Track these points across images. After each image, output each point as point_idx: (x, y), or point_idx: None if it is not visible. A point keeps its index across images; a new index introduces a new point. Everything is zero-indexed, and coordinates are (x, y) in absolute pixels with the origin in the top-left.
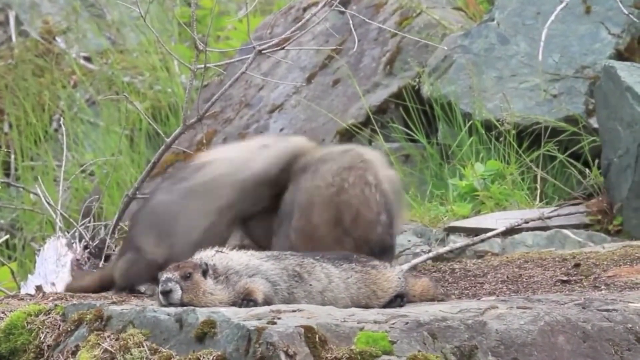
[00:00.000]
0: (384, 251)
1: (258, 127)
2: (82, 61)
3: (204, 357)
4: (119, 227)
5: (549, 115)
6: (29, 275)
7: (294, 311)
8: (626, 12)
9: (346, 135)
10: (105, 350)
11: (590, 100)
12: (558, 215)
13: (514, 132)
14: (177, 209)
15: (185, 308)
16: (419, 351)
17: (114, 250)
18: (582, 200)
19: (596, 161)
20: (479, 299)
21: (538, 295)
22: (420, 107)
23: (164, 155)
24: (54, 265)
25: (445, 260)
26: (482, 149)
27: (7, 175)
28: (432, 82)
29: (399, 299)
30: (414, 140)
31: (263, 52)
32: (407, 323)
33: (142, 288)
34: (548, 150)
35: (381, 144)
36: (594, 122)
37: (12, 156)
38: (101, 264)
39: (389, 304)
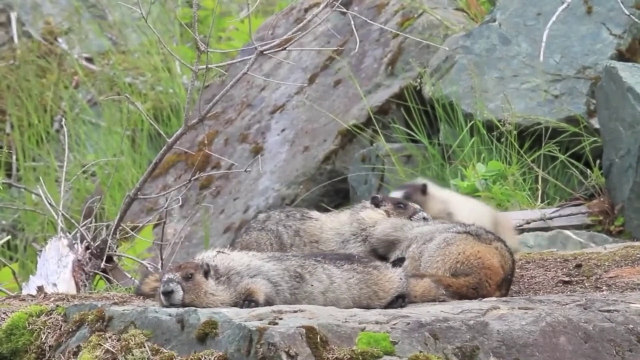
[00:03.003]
0: None
1: (260, 128)
2: (83, 62)
3: (205, 358)
4: (120, 227)
5: (550, 116)
6: (31, 276)
7: (295, 311)
8: (627, 12)
9: (347, 136)
10: (107, 351)
11: (592, 101)
12: (559, 216)
13: (515, 132)
14: None
15: (186, 309)
16: (421, 352)
17: (115, 251)
18: (584, 201)
19: (597, 162)
20: (480, 300)
21: (540, 296)
22: (422, 107)
23: (165, 156)
24: (56, 265)
25: None
26: (484, 150)
27: (9, 175)
28: (433, 83)
29: (400, 300)
30: (415, 141)
31: (265, 52)
32: (408, 324)
33: None
34: (549, 151)
35: (382, 144)
36: (595, 123)
37: (14, 157)
38: (102, 264)
39: (391, 304)
